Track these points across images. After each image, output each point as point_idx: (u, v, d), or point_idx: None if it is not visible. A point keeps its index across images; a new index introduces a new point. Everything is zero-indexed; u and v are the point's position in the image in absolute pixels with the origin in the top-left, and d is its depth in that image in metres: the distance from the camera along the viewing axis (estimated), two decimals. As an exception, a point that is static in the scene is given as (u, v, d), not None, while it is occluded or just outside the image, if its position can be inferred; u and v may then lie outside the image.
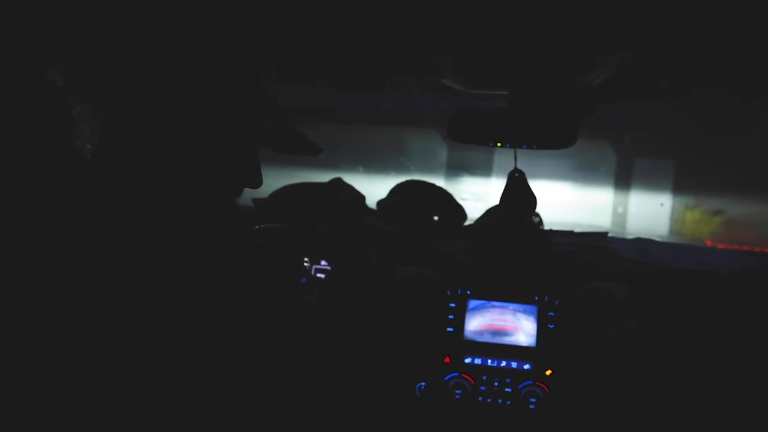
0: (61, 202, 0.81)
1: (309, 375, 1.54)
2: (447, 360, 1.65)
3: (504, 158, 3.51)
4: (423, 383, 1.65)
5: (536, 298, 1.67)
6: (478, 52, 1.49)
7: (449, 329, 1.67)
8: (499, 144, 1.62)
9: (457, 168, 3.49)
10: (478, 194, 3.39)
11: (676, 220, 2.98)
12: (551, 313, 1.65)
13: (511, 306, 1.67)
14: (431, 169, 3.59)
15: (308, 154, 1.06)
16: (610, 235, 1.97)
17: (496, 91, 1.63)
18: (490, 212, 1.95)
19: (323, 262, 1.81)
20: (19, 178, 0.80)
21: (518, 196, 1.77)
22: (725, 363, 1.55)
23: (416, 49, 1.48)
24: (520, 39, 1.43)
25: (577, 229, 2.01)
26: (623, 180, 3.23)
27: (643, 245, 1.82)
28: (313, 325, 1.65)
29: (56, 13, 0.83)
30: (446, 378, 1.63)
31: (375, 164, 3.61)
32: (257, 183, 0.97)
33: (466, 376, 1.63)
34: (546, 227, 1.95)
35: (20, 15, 0.82)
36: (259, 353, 1.03)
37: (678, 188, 3.04)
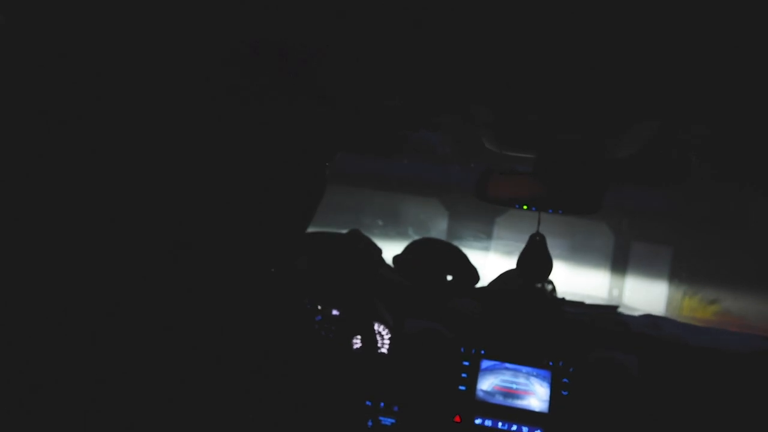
0: (75, 205, 0.81)
1: (310, 418, 1.51)
2: (457, 419, 1.63)
3: (503, 231, 3.56)
4: (431, 442, 1.62)
5: (550, 363, 1.66)
6: (511, 113, 1.54)
7: (461, 387, 1.65)
8: (525, 207, 1.66)
9: (456, 238, 3.52)
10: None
11: (673, 306, 3.02)
12: (565, 380, 1.64)
13: (525, 369, 1.67)
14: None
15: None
16: (619, 309, 1.98)
17: (526, 153, 1.68)
18: (504, 276, 1.97)
19: (334, 312, 1.79)
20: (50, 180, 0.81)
21: (536, 260, 1.80)
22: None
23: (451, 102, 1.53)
24: (552, 103, 1.49)
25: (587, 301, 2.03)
26: (620, 262, 3.28)
27: (654, 320, 1.84)
28: (325, 363, 1.62)
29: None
30: (455, 438, 1.60)
31: (372, 229, 3.64)
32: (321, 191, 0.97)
33: (476, 438, 1.60)
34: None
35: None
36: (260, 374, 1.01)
37: (675, 275, 3.09)
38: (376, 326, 1.73)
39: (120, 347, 0.78)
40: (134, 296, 0.80)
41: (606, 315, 1.90)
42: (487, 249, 3.61)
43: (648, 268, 3.20)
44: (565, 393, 1.63)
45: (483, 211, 3.53)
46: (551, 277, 1.94)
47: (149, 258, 0.82)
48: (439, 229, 3.67)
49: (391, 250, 2.01)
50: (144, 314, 0.80)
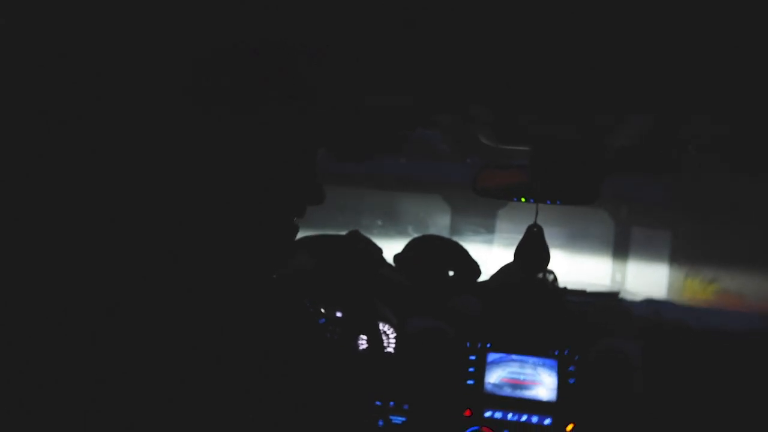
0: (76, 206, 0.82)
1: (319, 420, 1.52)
2: (467, 413, 1.64)
3: (505, 224, 3.58)
4: (442, 437, 1.64)
5: (556, 352, 1.68)
6: (506, 108, 1.55)
7: (470, 382, 1.67)
8: (522, 199, 1.68)
9: (459, 233, 3.54)
10: (478, 260, 3.43)
11: (675, 289, 3.03)
12: (571, 368, 1.66)
13: (531, 360, 1.68)
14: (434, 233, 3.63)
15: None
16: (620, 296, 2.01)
17: (521, 146, 1.70)
18: (505, 269, 1.99)
19: (338, 313, 1.82)
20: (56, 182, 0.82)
21: (534, 251, 1.82)
22: (744, 423, 1.56)
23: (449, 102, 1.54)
24: (547, 98, 1.50)
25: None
26: (621, 248, 3.30)
27: (655, 305, 1.86)
28: (331, 365, 1.64)
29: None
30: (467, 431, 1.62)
31: (372, 229, 3.66)
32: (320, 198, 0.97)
33: (487, 430, 1.62)
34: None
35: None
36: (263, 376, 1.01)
37: (674, 258, 3.11)
38: (381, 326, 1.75)
39: (120, 347, 0.79)
40: (134, 296, 0.80)
41: (607, 302, 1.92)
42: (491, 242, 3.63)
43: (648, 252, 3.22)
44: (572, 381, 1.65)
45: (486, 205, 3.55)
46: (551, 267, 1.96)
47: (149, 258, 0.83)
48: (441, 225, 3.69)
49: (391, 249, 2.03)
50: (144, 314, 0.80)
